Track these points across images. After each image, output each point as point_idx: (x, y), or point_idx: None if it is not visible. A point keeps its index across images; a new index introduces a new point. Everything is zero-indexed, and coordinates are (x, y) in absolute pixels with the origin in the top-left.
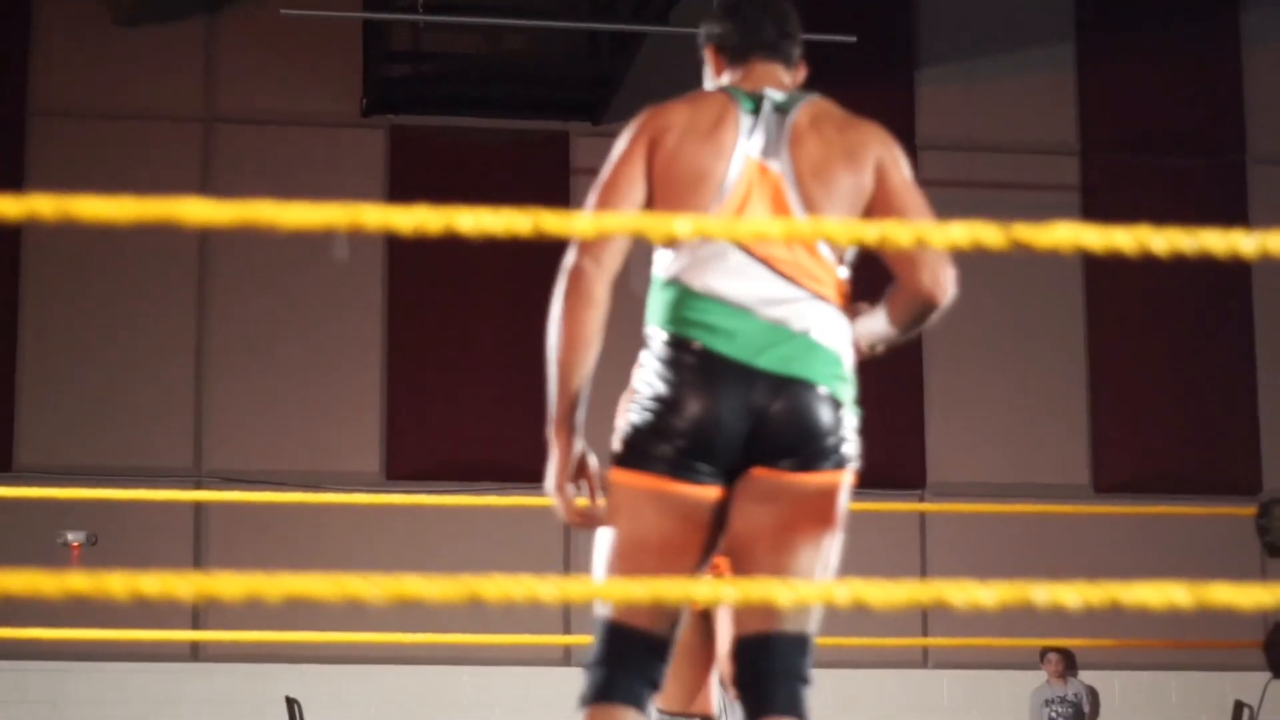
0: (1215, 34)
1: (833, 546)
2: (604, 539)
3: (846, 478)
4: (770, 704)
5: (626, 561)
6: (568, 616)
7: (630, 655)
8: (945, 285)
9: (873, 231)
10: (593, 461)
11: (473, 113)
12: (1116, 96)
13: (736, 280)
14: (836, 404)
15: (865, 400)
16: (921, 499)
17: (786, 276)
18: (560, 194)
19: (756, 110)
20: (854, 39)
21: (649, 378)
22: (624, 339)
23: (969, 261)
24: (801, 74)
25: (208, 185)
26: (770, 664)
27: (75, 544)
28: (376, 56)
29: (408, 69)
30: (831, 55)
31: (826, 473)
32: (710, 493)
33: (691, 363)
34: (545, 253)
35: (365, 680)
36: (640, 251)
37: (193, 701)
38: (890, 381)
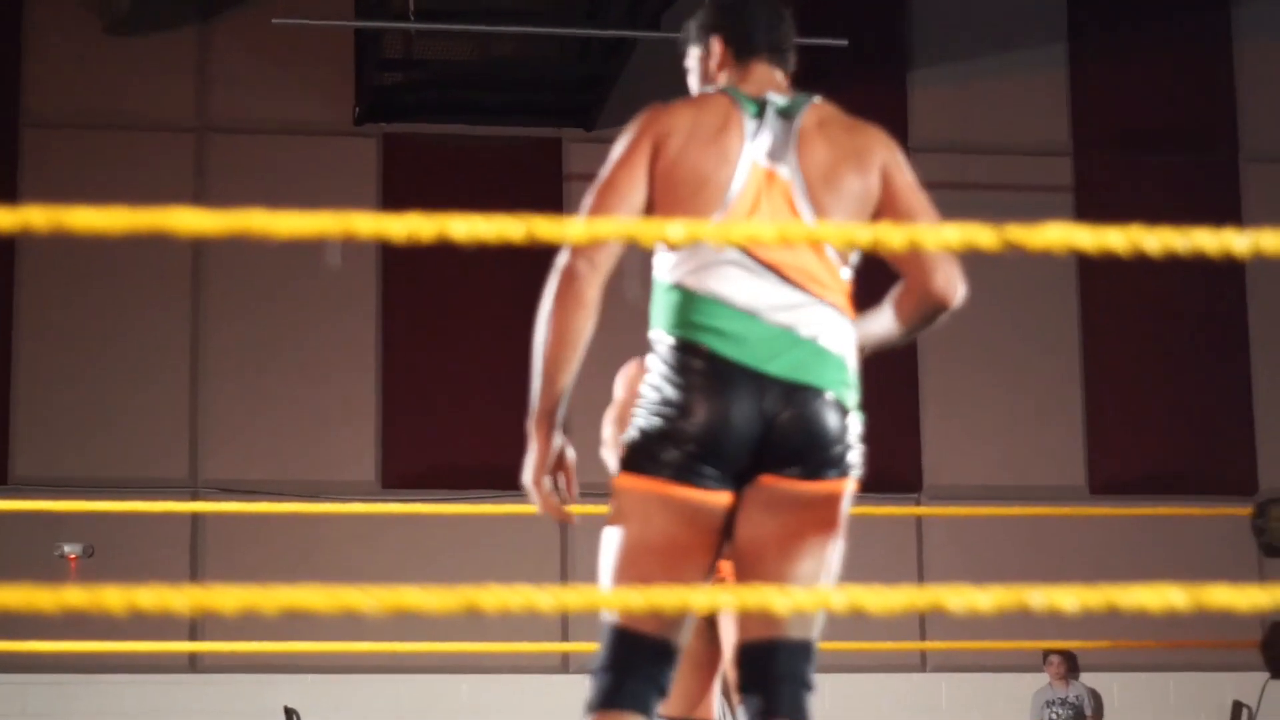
0: (1207, 32)
1: (836, 553)
2: (611, 544)
3: (850, 485)
4: (774, 710)
5: (634, 567)
6: (565, 624)
7: (638, 661)
8: (958, 287)
9: (866, 234)
10: (570, 454)
11: (465, 120)
12: (1109, 96)
13: (743, 285)
14: (844, 411)
15: (861, 403)
16: (918, 502)
17: (793, 282)
18: (554, 200)
19: (760, 114)
20: (845, 42)
21: (656, 382)
22: (610, 339)
23: (963, 263)
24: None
25: (201, 195)
26: (775, 670)
27: (72, 556)
28: (368, 64)
29: (400, 77)
30: (824, 58)
31: (832, 481)
32: (719, 498)
33: (701, 368)
34: (539, 259)
35: (364, 689)
36: (634, 257)
37: (191, 712)
38: (886, 384)
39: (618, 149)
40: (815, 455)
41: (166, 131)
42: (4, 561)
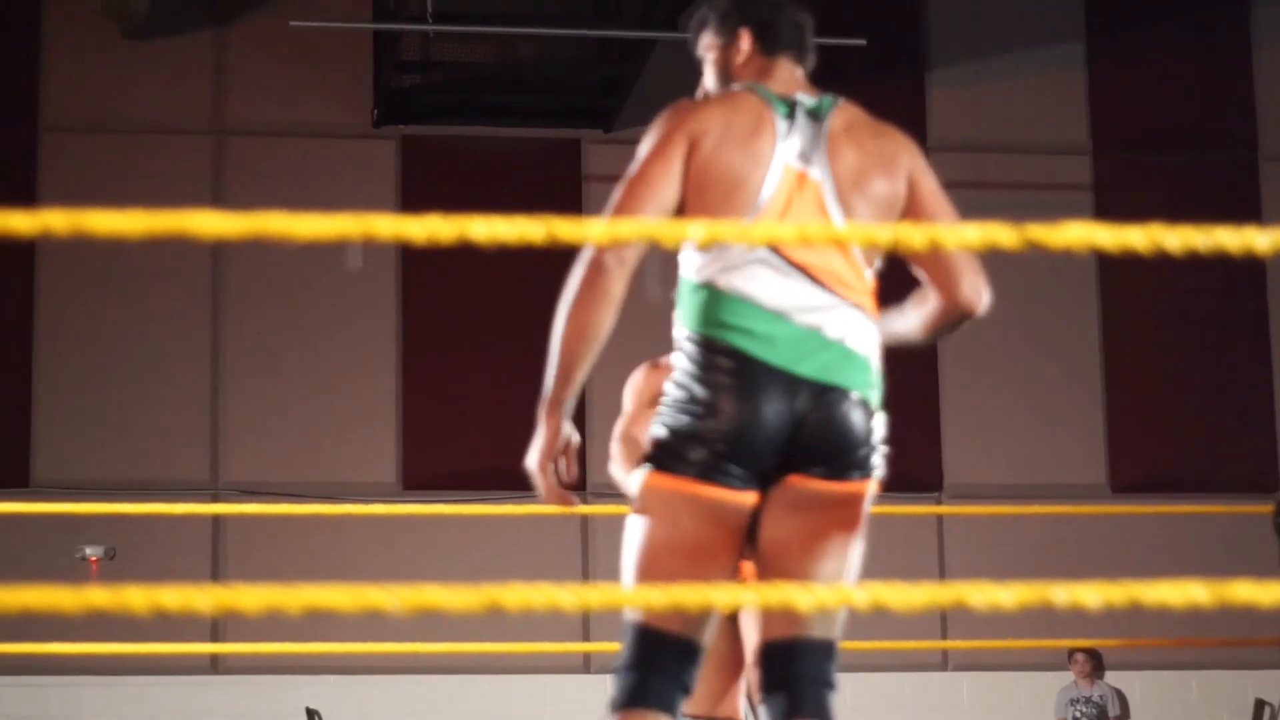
0: (1225, 30)
1: (857, 553)
2: (634, 542)
3: (873, 487)
4: (798, 709)
5: (658, 565)
6: (587, 623)
7: (662, 659)
8: (983, 295)
9: (887, 234)
10: (575, 439)
11: (484, 122)
12: (1127, 95)
13: (773, 286)
14: (869, 412)
15: (883, 403)
16: (939, 501)
17: (821, 283)
18: (573, 201)
19: (790, 115)
20: (864, 42)
21: (684, 381)
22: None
23: (983, 263)
24: None
25: (219, 198)
26: (798, 669)
27: (94, 558)
28: (386, 67)
29: (418, 79)
30: (842, 58)
31: (856, 482)
32: (744, 498)
33: (730, 367)
34: (558, 260)
35: (385, 690)
36: (654, 257)
37: (213, 714)
38: (906, 384)
39: (648, 143)
40: (842, 456)
41: (184, 135)
42: (26, 564)
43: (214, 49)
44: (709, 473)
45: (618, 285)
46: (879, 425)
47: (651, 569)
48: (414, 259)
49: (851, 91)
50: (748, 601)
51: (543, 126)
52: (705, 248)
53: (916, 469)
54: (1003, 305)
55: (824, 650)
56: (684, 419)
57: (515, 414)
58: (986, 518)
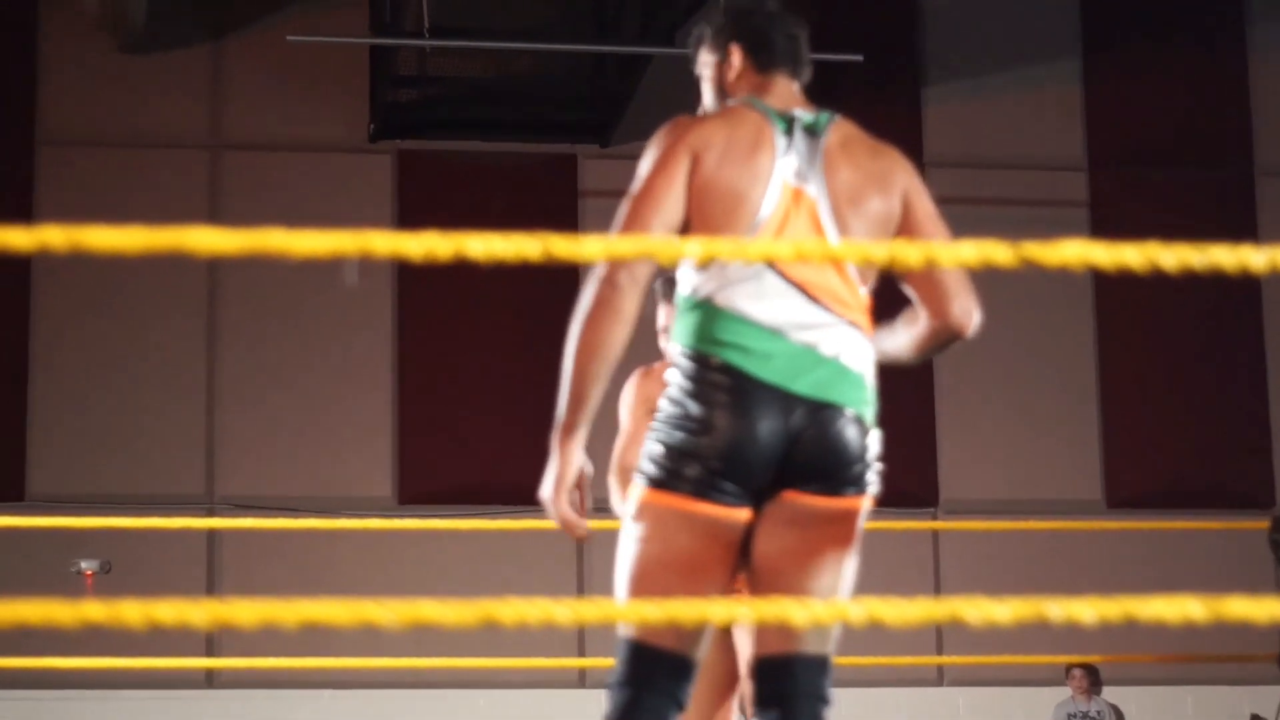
0: (1221, 47)
1: (851, 569)
2: (628, 558)
3: (867, 503)
4: None
5: (652, 582)
6: (582, 638)
7: (656, 675)
8: (974, 316)
9: (883, 252)
10: (588, 471)
11: (480, 136)
12: (1123, 111)
13: (769, 303)
14: (864, 429)
15: (878, 418)
16: (934, 517)
17: (818, 300)
18: (569, 217)
19: (789, 131)
20: (860, 58)
21: (679, 398)
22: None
23: (978, 279)
24: None
25: (215, 212)
26: (792, 685)
27: (89, 572)
28: (383, 81)
29: (414, 93)
30: (839, 74)
31: (851, 498)
32: (739, 515)
33: (727, 384)
34: (554, 276)
35: (381, 705)
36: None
37: None
38: (901, 400)
39: (649, 159)
40: (838, 473)
41: (181, 149)
42: (22, 578)
43: (211, 63)
44: (703, 489)
45: (631, 303)
46: (874, 442)
47: (646, 585)
48: (410, 274)
49: (847, 107)
50: (741, 617)
51: (539, 141)
52: (703, 265)
53: (912, 484)
54: (998, 321)
55: (818, 665)
56: (679, 435)
57: (511, 429)
58: (982, 533)
